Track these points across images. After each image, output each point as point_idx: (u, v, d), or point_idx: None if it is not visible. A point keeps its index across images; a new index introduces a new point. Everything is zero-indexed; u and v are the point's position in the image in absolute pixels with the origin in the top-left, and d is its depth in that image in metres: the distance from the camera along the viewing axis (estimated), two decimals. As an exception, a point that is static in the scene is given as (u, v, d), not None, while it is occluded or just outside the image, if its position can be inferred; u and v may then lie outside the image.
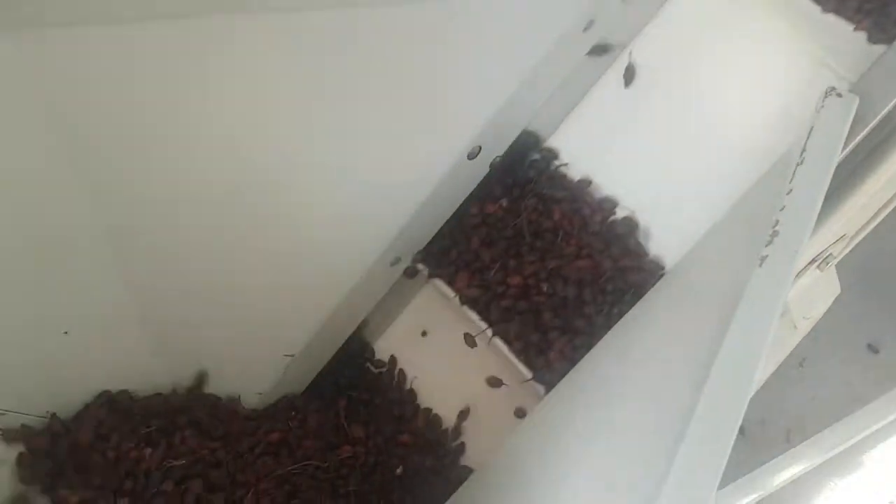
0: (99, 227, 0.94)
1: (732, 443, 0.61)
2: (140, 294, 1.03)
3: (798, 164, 0.85)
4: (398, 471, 1.23)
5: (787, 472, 1.78)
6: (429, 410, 1.33)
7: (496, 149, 1.22)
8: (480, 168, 1.23)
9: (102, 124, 0.86)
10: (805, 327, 1.32)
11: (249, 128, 0.94)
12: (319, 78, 0.95)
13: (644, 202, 1.21)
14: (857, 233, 1.30)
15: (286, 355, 1.21)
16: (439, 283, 1.25)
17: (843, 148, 0.91)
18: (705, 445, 0.61)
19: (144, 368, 1.11)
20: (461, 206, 1.26)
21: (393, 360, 1.38)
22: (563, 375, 1.13)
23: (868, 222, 1.29)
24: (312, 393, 1.34)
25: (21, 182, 0.85)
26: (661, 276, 1.17)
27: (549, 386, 1.15)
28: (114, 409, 1.07)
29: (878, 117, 0.95)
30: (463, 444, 1.31)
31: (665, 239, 1.19)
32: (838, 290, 1.33)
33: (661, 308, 1.06)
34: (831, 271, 1.30)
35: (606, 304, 1.16)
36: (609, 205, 1.23)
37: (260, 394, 1.25)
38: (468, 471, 1.28)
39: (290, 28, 0.87)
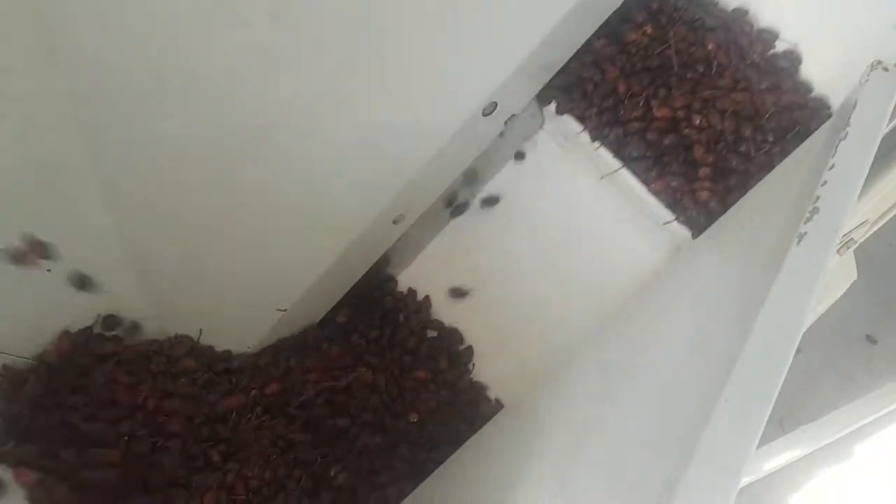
0: (91, 161, 0.89)
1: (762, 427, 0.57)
2: (131, 237, 0.98)
3: (841, 139, 0.80)
4: (412, 418, 1.18)
5: (778, 458, 1.76)
6: (458, 335, 1.27)
7: (513, 106, 1.16)
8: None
9: (97, 49, 0.80)
10: (818, 312, 1.27)
11: (254, 54, 0.87)
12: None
13: (807, 36, 1.10)
14: (879, 219, 1.25)
15: (278, 310, 1.16)
16: (567, 120, 1.15)
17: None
18: (730, 436, 0.57)
19: (133, 314, 1.06)
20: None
21: (412, 291, 1.32)
22: (713, 219, 1.04)
23: (890, 208, 1.24)
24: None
25: (10, 105, 0.79)
26: (828, 115, 1.06)
27: (698, 229, 1.06)
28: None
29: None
30: (483, 384, 1.26)
31: (830, 77, 1.09)
32: (855, 276, 1.28)
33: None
34: (850, 256, 1.26)
35: (767, 143, 1.06)
36: (769, 36, 1.12)
37: (249, 347, 1.20)
38: (498, 406, 1.22)
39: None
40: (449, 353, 1.27)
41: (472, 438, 1.12)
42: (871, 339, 2.14)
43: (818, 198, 0.74)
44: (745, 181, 1.04)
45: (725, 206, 1.04)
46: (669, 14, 1.14)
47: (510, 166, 1.26)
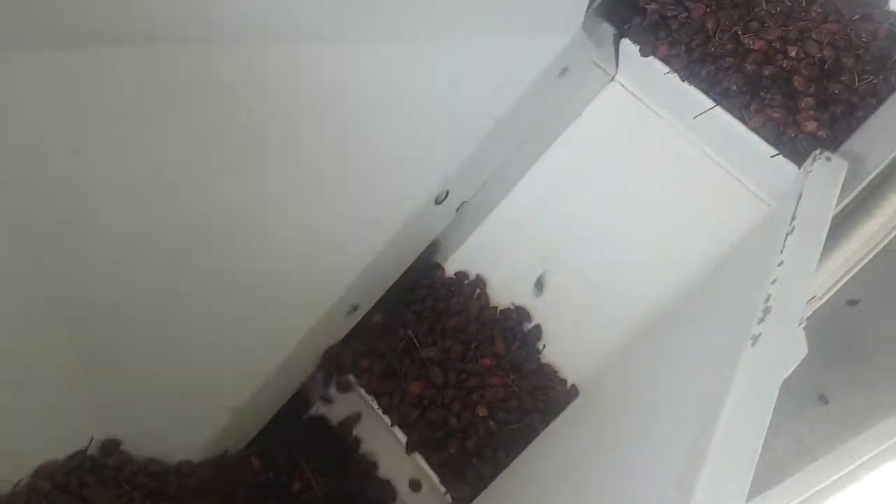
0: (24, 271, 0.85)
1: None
2: (65, 344, 0.94)
3: (788, 234, 0.80)
4: (480, 412, 1.12)
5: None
6: (524, 313, 1.21)
7: (465, 192, 1.16)
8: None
9: (28, 163, 0.77)
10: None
11: (190, 171, 0.86)
12: (269, 118, 0.88)
13: None
14: (825, 293, 1.27)
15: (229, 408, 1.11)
16: (651, 63, 1.12)
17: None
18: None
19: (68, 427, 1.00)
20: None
21: (461, 274, 1.26)
22: (819, 146, 0.98)
23: (834, 284, 1.26)
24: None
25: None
26: None
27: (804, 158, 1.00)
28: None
29: (865, 182, 0.92)
30: (553, 367, 1.18)
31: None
32: (805, 352, 1.29)
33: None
34: (800, 332, 1.27)
35: (868, 74, 1.02)
36: None
37: (193, 451, 1.14)
38: (574, 393, 1.15)
39: (238, 61, 0.82)
40: (514, 333, 1.20)
41: (545, 432, 1.06)
42: (823, 399, 2.16)
43: (769, 296, 0.74)
44: (850, 111, 1.02)
45: (834, 134, 1.02)
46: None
47: (577, 124, 1.22)
